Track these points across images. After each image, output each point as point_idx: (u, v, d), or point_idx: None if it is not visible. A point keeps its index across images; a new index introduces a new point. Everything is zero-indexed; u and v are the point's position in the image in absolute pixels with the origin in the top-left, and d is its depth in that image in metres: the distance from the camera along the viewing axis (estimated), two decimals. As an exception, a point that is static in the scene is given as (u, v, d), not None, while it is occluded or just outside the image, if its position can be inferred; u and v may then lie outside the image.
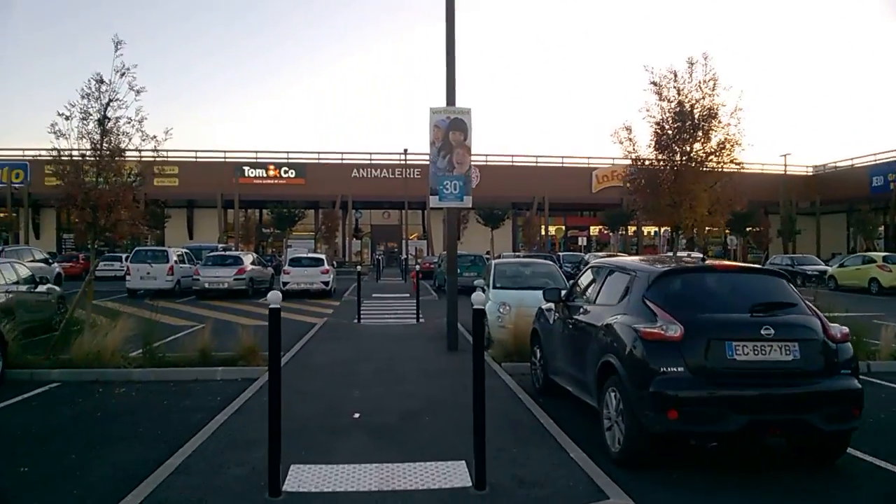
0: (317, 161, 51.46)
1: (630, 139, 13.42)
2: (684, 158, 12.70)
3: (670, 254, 15.24)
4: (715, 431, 4.91)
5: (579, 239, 50.51)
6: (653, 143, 13.21)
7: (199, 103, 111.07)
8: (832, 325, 5.30)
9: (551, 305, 7.68)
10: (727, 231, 40.11)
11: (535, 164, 53.24)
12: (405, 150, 47.75)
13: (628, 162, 14.66)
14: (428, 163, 10.97)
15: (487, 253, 35.00)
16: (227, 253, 25.50)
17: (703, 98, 12.89)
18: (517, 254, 36.09)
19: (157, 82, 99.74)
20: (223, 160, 50.76)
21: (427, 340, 11.92)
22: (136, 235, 15.92)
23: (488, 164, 50.02)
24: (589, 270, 7.28)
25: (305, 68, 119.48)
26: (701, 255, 13.17)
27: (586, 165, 52.99)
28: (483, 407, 4.50)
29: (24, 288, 11.82)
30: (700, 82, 12.84)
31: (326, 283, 22.41)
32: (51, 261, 23.90)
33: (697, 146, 12.88)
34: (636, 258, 7.19)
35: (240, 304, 19.20)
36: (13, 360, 8.75)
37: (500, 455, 5.19)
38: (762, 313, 5.09)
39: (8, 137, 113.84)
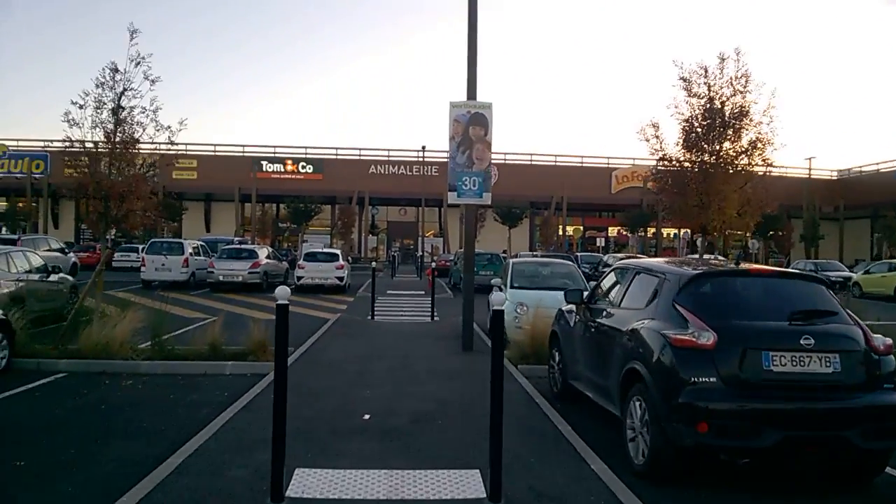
0: (334, 157, 51.46)
1: (657, 136, 12.97)
2: (713, 158, 12.27)
3: (693, 256, 14.81)
4: (748, 447, 4.59)
5: (597, 240, 50.04)
6: (681, 140, 12.75)
7: (218, 98, 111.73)
8: (875, 335, 4.95)
9: (572, 307, 7.37)
10: (748, 234, 39.45)
11: (554, 164, 52.81)
12: (423, 147, 47.58)
13: (650, 162, 14.26)
14: (446, 160, 10.69)
15: (504, 252, 34.70)
16: (243, 246, 25.40)
17: (735, 95, 12.44)
18: (534, 253, 35.75)
19: (178, 76, 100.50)
20: (241, 154, 50.95)
21: (441, 339, 11.65)
22: (146, 226, 15.79)
23: (507, 162, 49.68)
24: (613, 272, 6.97)
25: (324, 64, 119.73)
26: (737, 256, 12.77)
27: (606, 165, 52.53)
28: (501, 414, 4.21)
29: (36, 277, 11.72)
30: (732, 78, 12.39)
31: (341, 279, 22.23)
32: (67, 250, 23.94)
33: (727, 145, 12.43)
34: (662, 260, 6.87)
35: (253, 297, 19.05)
36: (21, 349, 8.63)
37: (516, 464, 4.90)
38: (801, 322, 4.76)
39: (31, 128, 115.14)
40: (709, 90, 12.52)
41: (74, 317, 9.91)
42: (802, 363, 4.62)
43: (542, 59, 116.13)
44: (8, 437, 5.69)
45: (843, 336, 4.83)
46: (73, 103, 9.72)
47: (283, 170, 50.33)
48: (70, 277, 14.22)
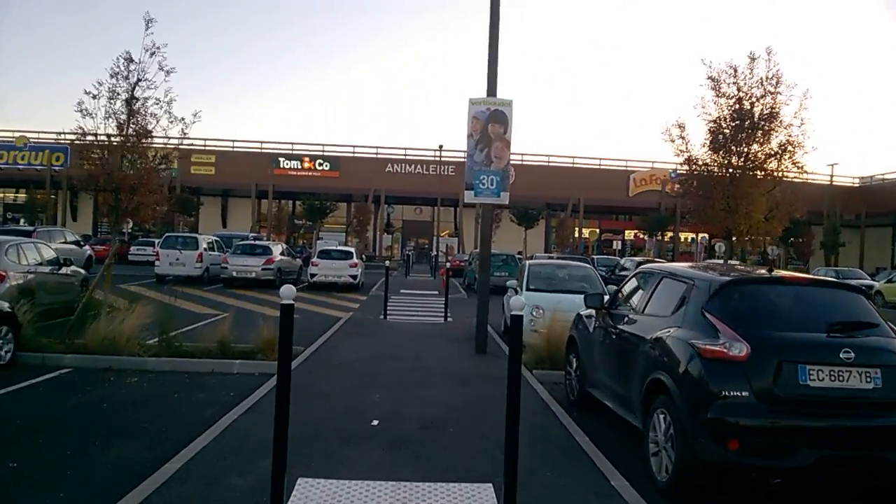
0: (352, 155, 51.36)
1: (682, 137, 12.59)
2: (741, 160, 11.86)
3: (718, 261, 14.37)
4: (781, 467, 4.28)
5: (614, 242, 49.49)
6: (707, 142, 12.37)
7: (237, 95, 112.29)
8: (918, 350, 4.61)
9: (591, 312, 7.05)
10: (768, 240, 38.78)
11: (571, 165, 52.31)
12: (440, 146, 47.31)
13: (670, 165, 13.91)
14: (463, 159, 10.41)
15: (519, 253, 34.34)
16: (257, 242, 25.28)
17: (765, 96, 12.06)
18: (550, 255, 35.38)
19: (198, 71, 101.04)
20: (260, 151, 50.97)
21: (454, 341, 11.38)
22: (157, 219, 15.66)
23: (524, 163, 49.23)
24: (635, 276, 6.66)
25: (344, 62, 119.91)
26: (771, 260, 12.39)
27: (624, 168, 51.97)
28: (517, 427, 3.92)
29: (47, 269, 11.60)
30: (763, 78, 12.00)
31: (354, 277, 22.03)
32: (83, 243, 23.92)
33: (756, 147, 12.02)
34: (688, 265, 6.55)
35: (266, 294, 18.88)
36: (27, 342, 8.48)
37: (532, 478, 4.63)
38: (840, 334, 4.44)
39: (52, 120, 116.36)
40: (738, 90, 12.13)
41: (82, 311, 9.75)
42: (841, 378, 4.31)
43: (560, 61, 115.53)
44: (3, 437, 5.49)
45: (886, 350, 4.52)
46: (87, 93, 9.60)
47: (300, 167, 50.29)
48: (82, 270, 14.11)
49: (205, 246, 22.57)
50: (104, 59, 17.83)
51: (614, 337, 6.15)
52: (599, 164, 52.62)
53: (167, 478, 4.40)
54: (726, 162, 12.12)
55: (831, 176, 48.67)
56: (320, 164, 50.37)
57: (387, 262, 19.68)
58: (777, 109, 11.96)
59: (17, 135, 48.33)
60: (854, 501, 4.92)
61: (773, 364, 4.29)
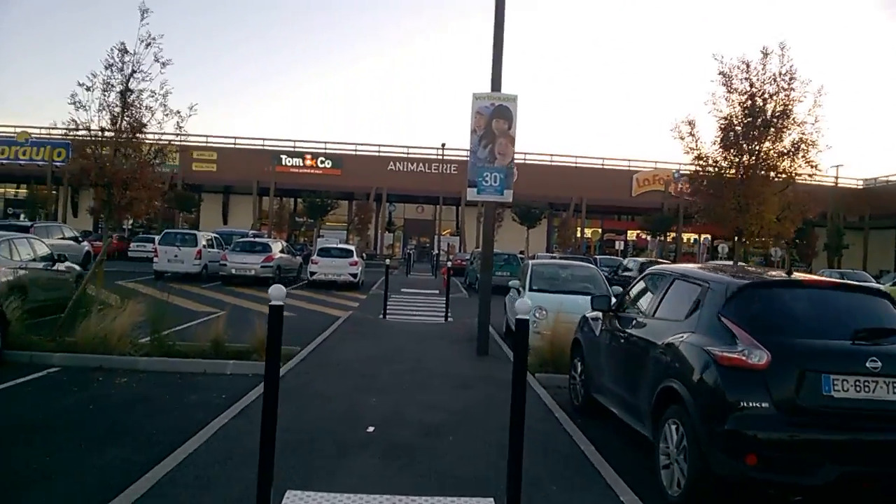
0: (354, 152, 51.11)
1: (692, 134, 12.28)
2: (753, 158, 11.56)
3: (727, 262, 14.09)
4: (802, 483, 4.02)
5: (616, 242, 49.21)
6: (718, 139, 12.07)
7: (238, 91, 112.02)
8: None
9: (598, 314, 6.79)
10: (772, 240, 38.47)
11: (574, 165, 52.01)
12: (443, 145, 47.01)
13: (672, 167, 13.65)
14: (465, 158, 10.15)
15: (521, 253, 34.08)
16: (257, 239, 25.04)
17: (778, 93, 11.75)
18: (552, 255, 35.12)
19: (199, 68, 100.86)
20: (261, 147, 50.72)
21: (455, 342, 11.12)
22: (152, 214, 15.41)
23: (527, 162, 48.91)
24: (644, 278, 6.40)
25: (346, 59, 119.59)
26: (774, 262, 12.12)
27: (627, 168, 51.66)
28: (521, 438, 3.67)
29: (40, 265, 11.36)
30: (776, 74, 11.69)
31: (354, 276, 21.80)
32: (81, 239, 23.71)
33: (768, 145, 11.72)
34: (699, 266, 6.29)
35: (265, 292, 18.37)
36: (15, 340, 8.23)
37: (535, 492, 4.37)
38: (866, 341, 4.18)
39: (55, 117, 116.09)
40: (750, 86, 11.82)
41: (73, 308, 9.49)
42: (868, 389, 4.05)
43: (563, 60, 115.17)
44: (-19, 440, 5.26)
45: (914, 359, 4.24)
46: (81, 85, 9.35)
47: (301, 164, 50.05)
48: (77, 267, 13.86)
49: (203, 243, 22.36)
50: (105, 54, 17.59)
51: (622, 341, 5.88)
52: (602, 164, 52.33)
53: (150, 486, 4.14)
54: (737, 160, 11.82)
55: (836, 178, 48.33)
56: (322, 162, 50.12)
57: (387, 261, 19.44)
58: (791, 106, 11.65)
59: (18, 130, 48.12)
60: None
61: (794, 373, 4.04)
